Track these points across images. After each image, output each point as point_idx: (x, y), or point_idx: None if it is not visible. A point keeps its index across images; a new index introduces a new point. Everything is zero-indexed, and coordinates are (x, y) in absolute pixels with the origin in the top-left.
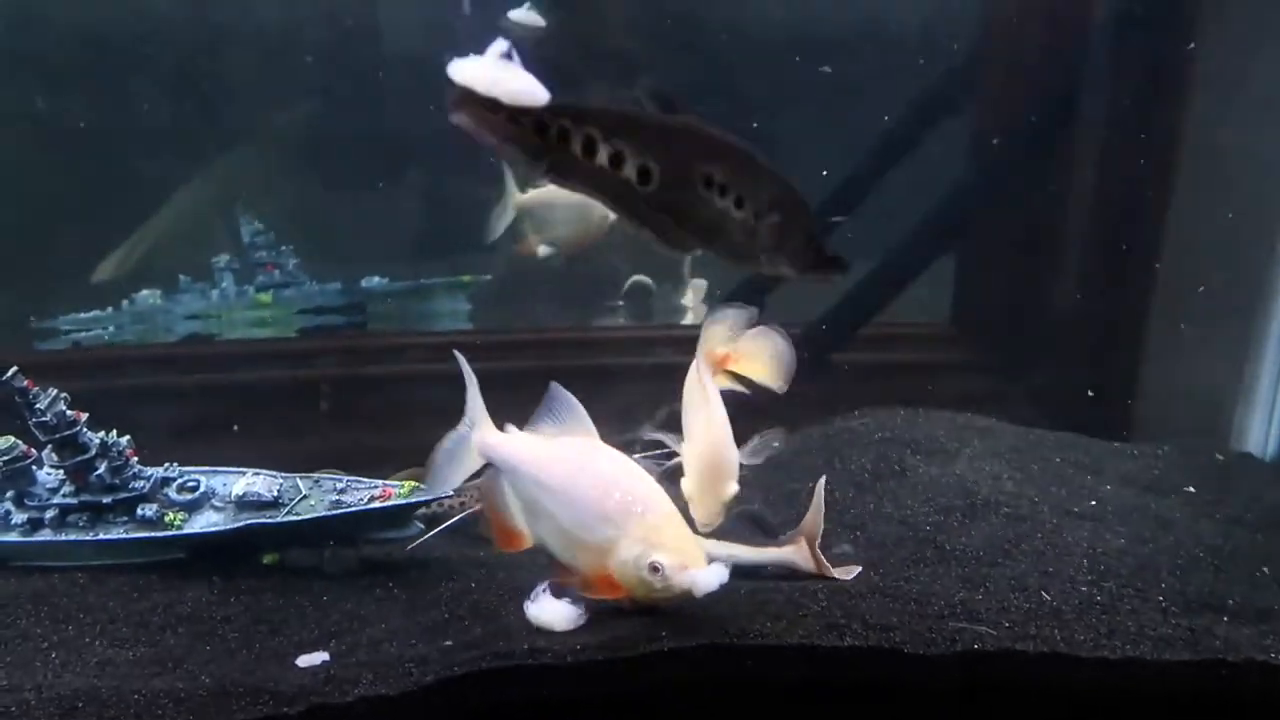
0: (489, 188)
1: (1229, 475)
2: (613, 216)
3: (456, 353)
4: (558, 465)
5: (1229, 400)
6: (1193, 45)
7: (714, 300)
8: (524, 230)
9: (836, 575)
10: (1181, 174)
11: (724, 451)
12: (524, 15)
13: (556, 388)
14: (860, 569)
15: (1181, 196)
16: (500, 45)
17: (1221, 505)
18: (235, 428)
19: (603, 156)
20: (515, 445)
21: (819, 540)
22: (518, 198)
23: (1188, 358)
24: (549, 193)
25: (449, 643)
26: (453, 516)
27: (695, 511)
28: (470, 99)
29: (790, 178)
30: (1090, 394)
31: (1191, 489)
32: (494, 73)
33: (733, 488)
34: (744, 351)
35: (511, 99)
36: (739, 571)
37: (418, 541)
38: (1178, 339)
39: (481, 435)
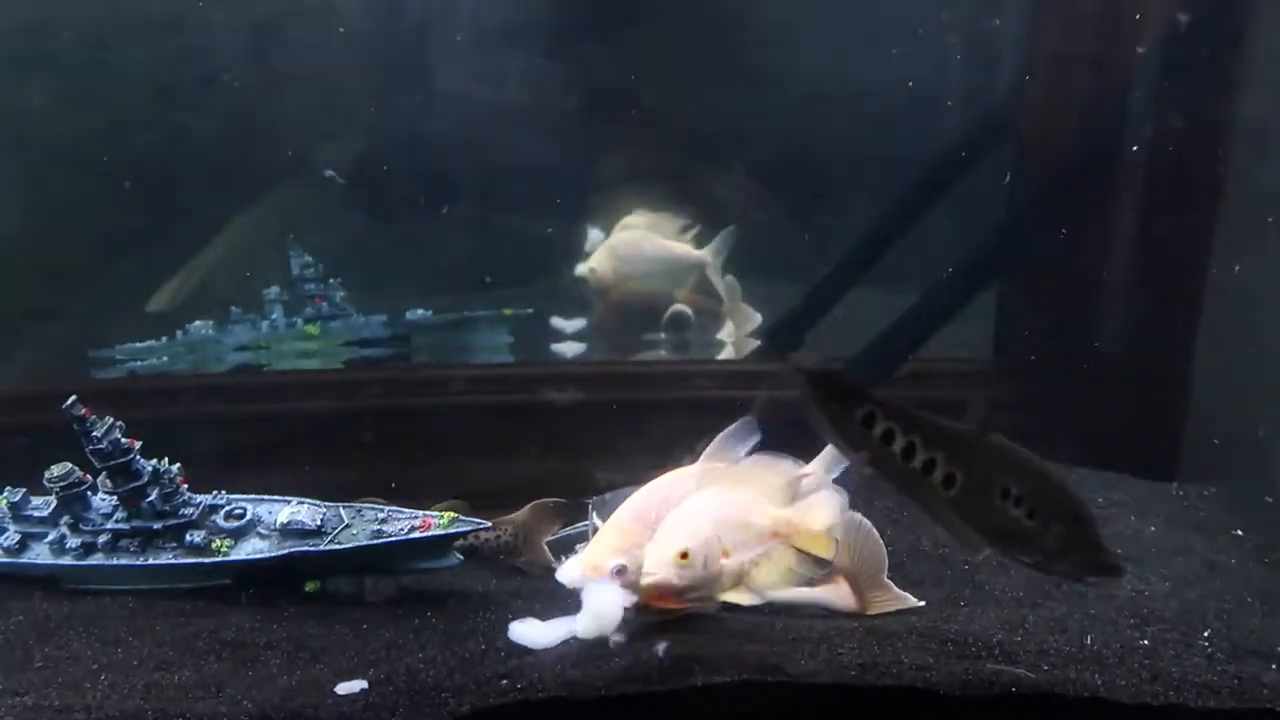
0: (533, 222)
1: (1278, 518)
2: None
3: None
4: None
5: (1277, 442)
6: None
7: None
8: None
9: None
10: (1226, 213)
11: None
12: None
13: (745, 419)
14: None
15: (1226, 235)
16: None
17: (1270, 549)
18: (280, 457)
19: (917, 461)
20: None
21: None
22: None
23: (1235, 398)
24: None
25: (485, 673)
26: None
27: None
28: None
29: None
30: (1135, 434)
31: (1239, 531)
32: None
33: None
34: (799, 524)
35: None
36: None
37: None
38: (1224, 378)
39: None
